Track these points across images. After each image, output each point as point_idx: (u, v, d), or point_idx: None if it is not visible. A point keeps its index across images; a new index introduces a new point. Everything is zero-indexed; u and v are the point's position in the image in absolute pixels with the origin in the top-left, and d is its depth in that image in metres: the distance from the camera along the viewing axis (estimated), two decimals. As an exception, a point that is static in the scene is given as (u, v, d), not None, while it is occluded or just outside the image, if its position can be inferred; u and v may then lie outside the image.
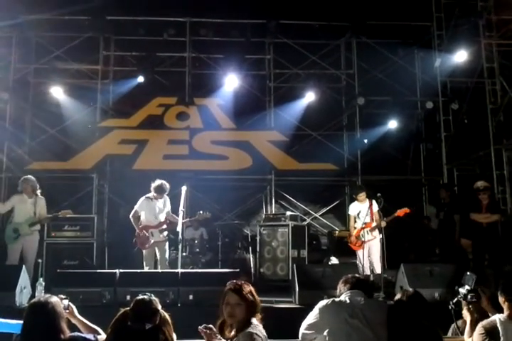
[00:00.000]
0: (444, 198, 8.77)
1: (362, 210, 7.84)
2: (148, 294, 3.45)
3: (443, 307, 4.15)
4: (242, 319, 3.19)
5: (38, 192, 7.64)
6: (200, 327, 3.31)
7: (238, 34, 11.24)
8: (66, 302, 3.64)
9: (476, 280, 3.84)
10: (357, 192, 8.02)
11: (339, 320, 3.32)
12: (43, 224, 7.92)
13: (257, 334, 3.12)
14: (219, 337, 3.21)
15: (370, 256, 7.58)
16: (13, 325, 3.77)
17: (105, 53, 11.29)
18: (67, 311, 3.61)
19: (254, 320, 3.22)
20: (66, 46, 10.81)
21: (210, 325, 3.30)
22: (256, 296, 3.32)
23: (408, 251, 9.72)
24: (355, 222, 7.96)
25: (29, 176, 7.70)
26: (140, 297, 3.41)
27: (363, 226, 7.72)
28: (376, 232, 7.61)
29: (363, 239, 7.70)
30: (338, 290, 3.65)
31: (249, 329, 3.14)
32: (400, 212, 7.56)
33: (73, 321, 3.65)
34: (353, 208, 8.03)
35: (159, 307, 3.39)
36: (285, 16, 10.90)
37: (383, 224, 7.50)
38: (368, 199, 7.80)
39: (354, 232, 7.85)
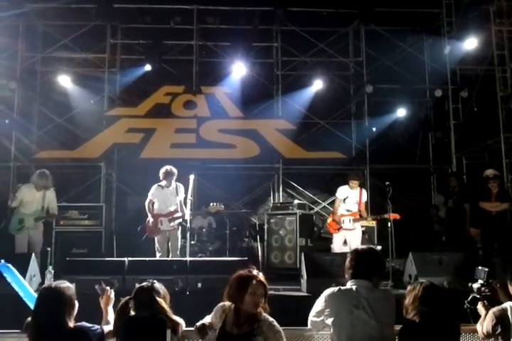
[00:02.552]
0: (454, 187, 8.69)
1: (350, 196, 7.70)
2: (151, 280, 3.43)
3: (452, 295, 4.13)
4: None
5: (52, 188, 7.57)
6: (197, 324, 3.34)
7: (245, 22, 11.17)
8: (101, 287, 3.66)
9: (488, 273, 3.80)
10: (353, 177, 7.73)
11: (344, 310, 3.29)
12: (49, 220, 7.85)
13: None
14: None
15: (348, 245, 7.46)
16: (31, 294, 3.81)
17: (112, 41, 11.23)
18: (100, 298, 3.64)
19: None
20: (73, 35, 10.73)
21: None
22: None
23: (416, 239, 9.68)
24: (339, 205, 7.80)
25: (47, 172, 7.56)
26: (140, 284, 3.39)
27: (348, 213, 7.63)
28: (357, 224, 7.59)
29: (341, 225, 7.60)
30: (345, 268, 3.61)
31: (270, 319, 3.18)
32: (391, 216, 7.13)
33: (103, 308, 3.64)
34: (342, 192, 7.76)
35: (161, 292, 3.37)
36: (293, 4, 10.77)
37: (368, 219, 7.52)
38: (359, 188, 7.72)
39: (336, 216, 7.71)
